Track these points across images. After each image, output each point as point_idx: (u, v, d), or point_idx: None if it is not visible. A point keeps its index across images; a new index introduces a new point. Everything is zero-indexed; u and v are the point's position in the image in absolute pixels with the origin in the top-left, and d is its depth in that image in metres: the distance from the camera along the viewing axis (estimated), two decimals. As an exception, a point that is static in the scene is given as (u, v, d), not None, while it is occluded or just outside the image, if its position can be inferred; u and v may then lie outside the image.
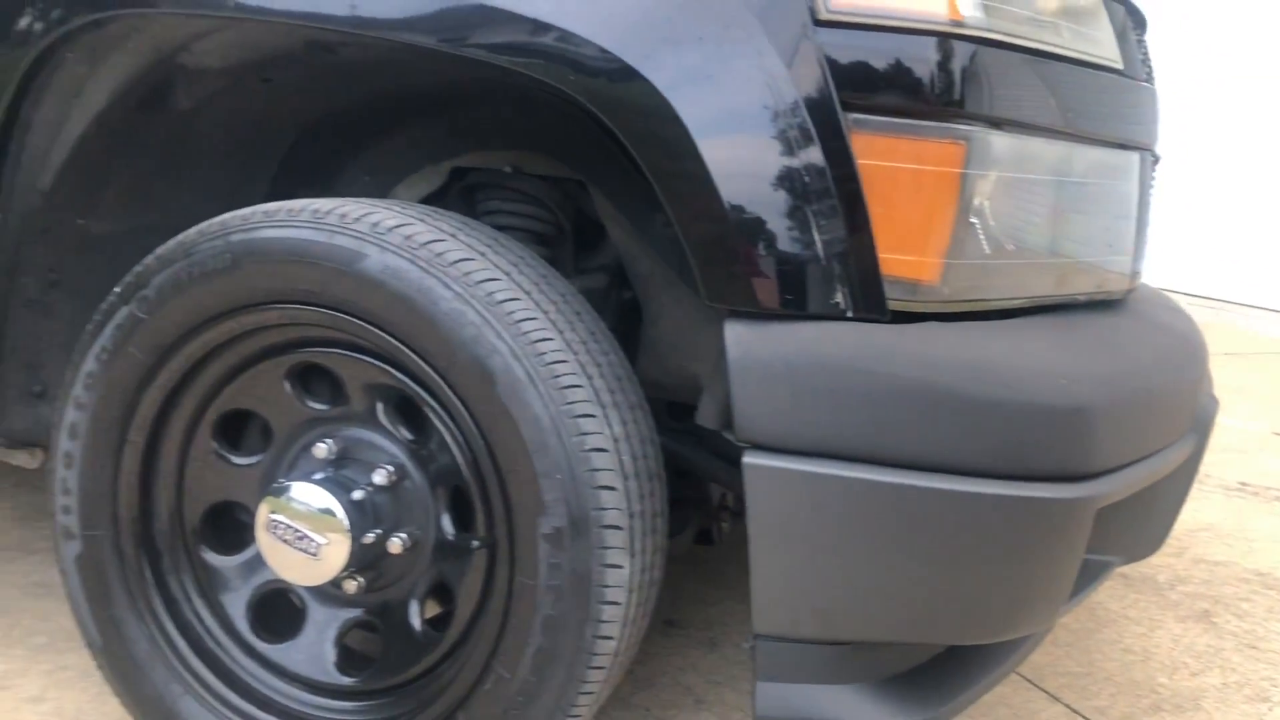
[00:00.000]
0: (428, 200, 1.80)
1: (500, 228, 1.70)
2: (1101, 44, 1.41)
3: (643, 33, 1.20)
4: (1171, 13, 5.95)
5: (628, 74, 1.19)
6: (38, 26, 1.36)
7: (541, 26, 1.21)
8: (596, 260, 1.78)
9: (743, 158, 1.19)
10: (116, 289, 1.38)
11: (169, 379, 1.38)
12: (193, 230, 1.35)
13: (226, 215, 1.34)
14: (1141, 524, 1.48)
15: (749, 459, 1.17)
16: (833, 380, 1.16)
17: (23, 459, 1.66)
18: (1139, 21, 1.60)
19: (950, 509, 1.14)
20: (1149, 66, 1.61)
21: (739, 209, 1.18)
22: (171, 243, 1.35)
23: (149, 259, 1.36)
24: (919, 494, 1.14)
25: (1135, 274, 1.56)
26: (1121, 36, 1.48)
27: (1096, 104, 1.38)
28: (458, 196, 1.78)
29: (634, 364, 1.61)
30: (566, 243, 1.77)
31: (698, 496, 1.83)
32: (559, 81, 1.23)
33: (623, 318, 1.74)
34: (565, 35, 1.20)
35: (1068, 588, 1.24)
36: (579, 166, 1.70)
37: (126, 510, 1.42)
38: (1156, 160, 1.63)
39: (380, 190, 1.81)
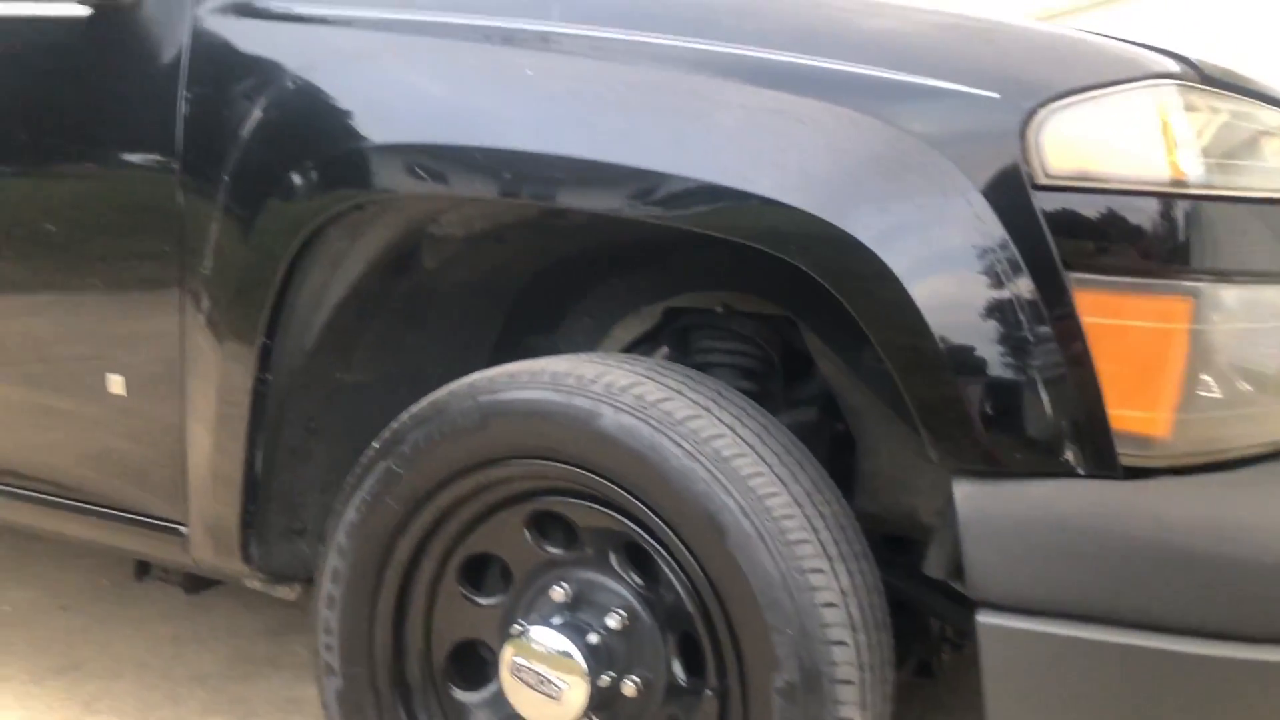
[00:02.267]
0: (643, 339, 1.89)
1: (712, 365, 1.77)
2: (1331, 177, 1.38)
3: (863, 203, 1.26)
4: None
5: (853, 246, 1.25)
6: (309, 212, 1.53)
7: (768, 203, 1.28)
8: (807, 392, 1.83)
9: (965, 320, 1.22)
10: (375, 444, 1.51)
11: (421, 527, 1.49)
12: (443, 391, 1.47)
13: (474, 377, 1.46)
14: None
15: (983, 618, 1.18)
16: (1067, 540, 1.16)
17: (283, 592, 1.81)
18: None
19: (1198, 673, 1.12)
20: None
21: (964, 371, 1.21)
22: (425, 403, 1.48)
23: (405, 417, 1.49)
24: (1164, 658, 1.12)
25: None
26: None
27: (1330, 240, 1.35)
28: (672, 335, 1.86)
29: (848, 497, 1.65)
30: (777, 377, 1.83)
31: (917, 628, 1.82)
32: (782, 251, 1.30)
33: (835, 450, 1.78)
34: (790, 210, 1.27)
35: (1328, 752, 1.19)
36: (787, 304, 1.76)
37: (381, 649, 1.53)
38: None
39: (600, 330, 1.92)
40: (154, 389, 1.71)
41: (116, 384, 1.76)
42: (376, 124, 1.49)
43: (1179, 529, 1.15)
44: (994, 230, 1.21)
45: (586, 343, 1.91)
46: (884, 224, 1.26)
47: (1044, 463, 1.20)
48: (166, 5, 1.67)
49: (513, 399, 1.40)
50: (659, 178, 1.35)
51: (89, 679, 2.20)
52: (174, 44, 1.65)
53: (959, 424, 1.23)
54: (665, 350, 1.85)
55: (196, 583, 2.06)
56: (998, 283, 1.21)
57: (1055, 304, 1.19)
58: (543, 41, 1.44)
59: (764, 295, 1.78)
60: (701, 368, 1.72)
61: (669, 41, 1.38)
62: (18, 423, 1.93)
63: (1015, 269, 1.20)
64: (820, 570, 1.27)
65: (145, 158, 1.70)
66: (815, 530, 1.29)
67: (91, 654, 2.29)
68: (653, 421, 1.32)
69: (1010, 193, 1.21)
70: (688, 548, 1.31)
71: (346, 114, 1.51)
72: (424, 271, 1.72)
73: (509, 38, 1.46)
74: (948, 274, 1.24)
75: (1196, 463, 1.21)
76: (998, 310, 1.21)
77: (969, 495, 1.20)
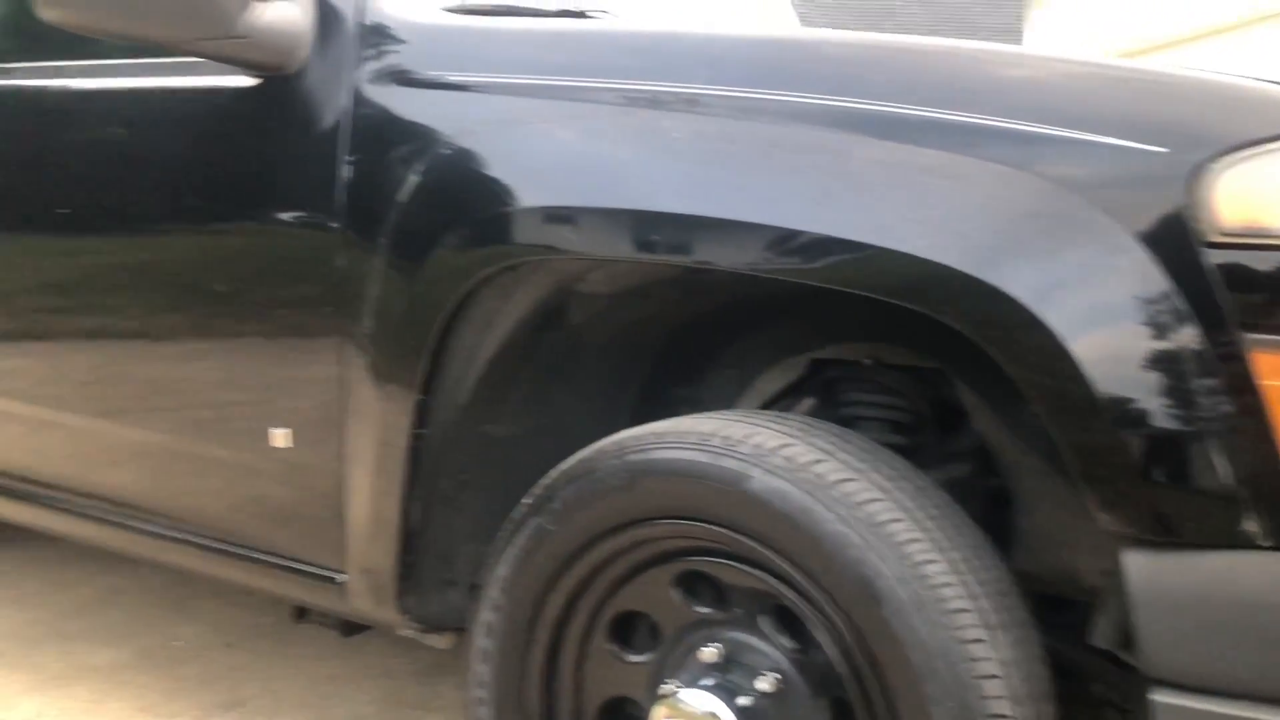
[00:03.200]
0: (787, 391, 1.87)
1: (860, 418, 1.74)
2: None
3: (1019, 260, 1.23)
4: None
5: (1009, 304, 1.22)
6: (463, 273, 1.57)
7: (921, 261, 1.26)
8: (960, 446, 1.78)
9: (1130, 381, 1.17)
10: (526, 500, 1.53)
11: (571, 583, 1.51)
12: (593, 449, 1.48)
13: (623, 435, 1.47)
14: None
15: (1159, 697, 1.13)
16: (1250, 616, 1.10)
17: (436, 640, 1.84)
18: None
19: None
20: None
21: (1132, 436, 1.17)
22: (574, 460, 1.49)
23: (555, 474, 1.51)
24: (1361, 748, 1.05)
25: None
26: None
27: None
28: (817, 387, 1.84)
29: (1005, 556, 1.59)
30: (927, 431, 1.78)
31: (1079, 693, 1.75)
32: (935, 309, 1.27)
33: (991, 507, 1.72)
34: (944, 269, 1.25)
35: None
36: (939, 356, 1.73)
37: (533, 704, 1.55)
38: None
39: (743, 382, 1.91)
40: (315, 445, 1.77)
41: (280, 437, 1.83)
42: (527, 187, 1.53)
43: (1375, 607, 1.08)
44: (1160, 288, 1.17)
45: (730, 394, 1.91)
46: (1041, 281, 1.22)
47: (1221, 533, 1.14)
48: (328, 74, 1.75)
49: (660, 459, 1.40)
50: (808, 237, 1.34)
51: (252, 716, 2.28)
52: (335, 111, 1.72)
53: (1128, 491, 1.18)
54: (810, 402, 1.83)
55: (351, 626, 2.12)
56: (1166, 344, 1.16)
57: (1230, 366, 1.14)
58: (689, 103, 1.45)
59: (914, 347, 1.75)
60: (848, 421, 1.70)
61: (816, 100, 1.38)
62: (179, 468, 2.03)
63: (1184, 329, 1.16)
64: (981, 640, 1.23)
65: (307, 220, 1.77)
66: (975, 598, 1.26)
67: (254, 691, 2.38)
68: (804, 485, 1.30)
69: (1178, 250, 1.16)
70: (842, 614, 1.29)
71: (499, 178, 1.55)
72: (570, 327, 1.74)
73: (655, 100, 1.48)
74: (1110, 334, 1.20)
75: (1393, 535, 1.14)
76: (1166, 372, 1.16)
77: (1141, 567, 1.15)
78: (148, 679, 2.43)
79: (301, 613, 2.12)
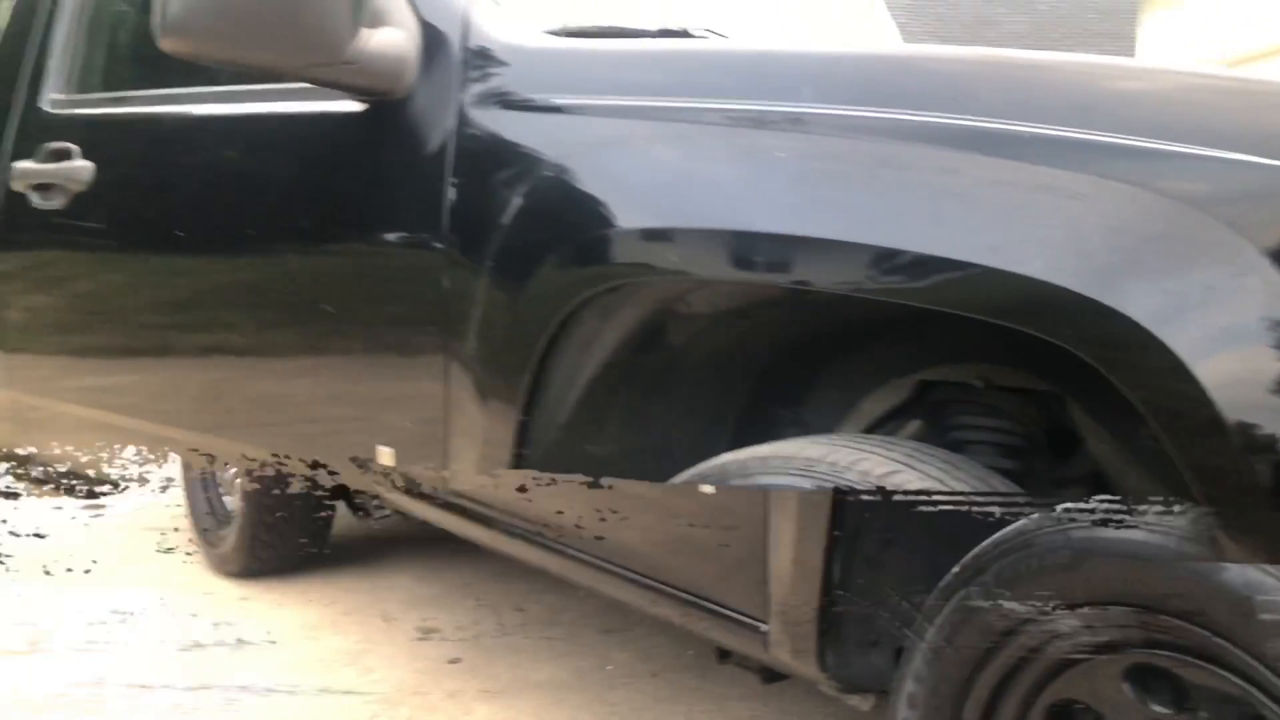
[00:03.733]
0: (893, 414, 1.83)
1: (969, 442, 1.69)
2: None
3: (1141, 282, 1.18)
4: None
5: (1130, 328, 1.17)
6: (565, 294, 1.57)
7: (1037, 284, 1.22)
8: (1074, 472, 1.72)
9: (1264, 408, 1.11)
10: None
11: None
12: (694, 473, 1.47)
13: (725, 459, 1.47)
14: None
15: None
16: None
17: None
18: None
19: None
20: None
21: (1263, 464, 1.11)
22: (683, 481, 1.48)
23: (655, 498, 1.50)
24: None
25: None
26: None
27: None
28: (925, 409, 1.80)
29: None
30: (1040, 455, 1.73)
31: None
32: (1054, 334, 1.23)
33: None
34: (1062, 292, 1.21)
35: None
36: (1053, 378, 1.67)
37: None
38: None
39: (847, 404, 1.87)
40: (420, 463, 1.79)
41: (386, 455, 1.86)
42: (630, 209, 1.52)
43: None
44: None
45: (833, 416, 1.87)
46: (1163, 302, 1.17)
47: (1362, 568, 1.07)
48: (433, 99, 1.78)
49: (764, 486, 1.38)
50: (913, 257, 1.31)
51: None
52: (440, 134, 1.75)
53: (1257, 519, 1.12)
54: (916, 425, 1.79)
55: (771, 674, 1.87)
56: (1302, 368, 1.10)
57: (1372, 391, 1.07)
58: (794, 123, 1.43)
59: (1026, 368, 1.69)
60: (956, 445, 1.66)
61: (925, 118, 1.34)
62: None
63: (1324, 354, 1.09)
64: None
65: (413, 240, 1.80)
66: (1093, 633, 1.21)
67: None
68: (912, 511, 1.27)
69: (1315, 269, 1.10)
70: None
71: (601, 200, 1.55)
72: (672, 347, 1.73)
73: (759, 120, 1.46)
74: (1239, 356, 1.14)
75: None
76: (1303, 397, 1.10)
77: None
78: (581, 700, 2.37)
79: (724, 655, 1.91)
